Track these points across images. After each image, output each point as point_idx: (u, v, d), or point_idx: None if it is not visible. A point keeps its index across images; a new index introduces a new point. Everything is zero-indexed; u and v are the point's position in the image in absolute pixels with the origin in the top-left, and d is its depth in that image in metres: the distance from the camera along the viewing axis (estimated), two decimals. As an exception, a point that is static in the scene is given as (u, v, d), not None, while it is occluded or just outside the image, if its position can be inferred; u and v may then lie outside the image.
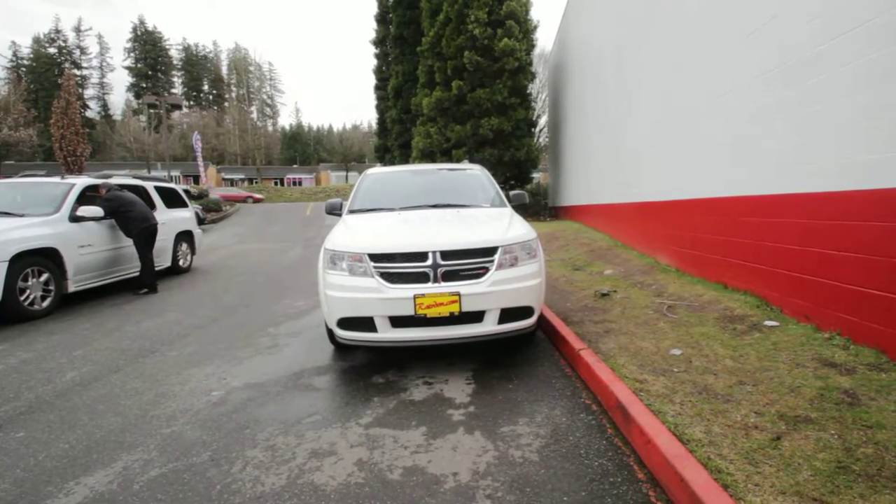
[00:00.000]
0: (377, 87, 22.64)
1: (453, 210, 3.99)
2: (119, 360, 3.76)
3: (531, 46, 14.32)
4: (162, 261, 7.45)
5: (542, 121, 21.61)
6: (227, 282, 7.35)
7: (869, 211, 2.83)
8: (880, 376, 2.49)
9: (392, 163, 20.47)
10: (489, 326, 3.07)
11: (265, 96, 67.38)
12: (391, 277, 3.05)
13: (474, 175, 4.79)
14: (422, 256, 3.05)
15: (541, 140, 22.86)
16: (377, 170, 5.06)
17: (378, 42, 22.11)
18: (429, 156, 14.48)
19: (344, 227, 3.73)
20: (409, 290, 2.96)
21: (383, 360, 3.53)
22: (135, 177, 7.57)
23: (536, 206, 14.61)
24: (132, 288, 6.60)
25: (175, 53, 70.43)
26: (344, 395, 2.93)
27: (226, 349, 3.97)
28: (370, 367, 3.42)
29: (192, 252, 8.59)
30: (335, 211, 4.45)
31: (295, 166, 66.47)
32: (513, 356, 3.54)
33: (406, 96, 17.27)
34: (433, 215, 3.84)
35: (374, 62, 23.41)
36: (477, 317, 3.06)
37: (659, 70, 6.20)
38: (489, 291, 3.02)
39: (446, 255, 3.05)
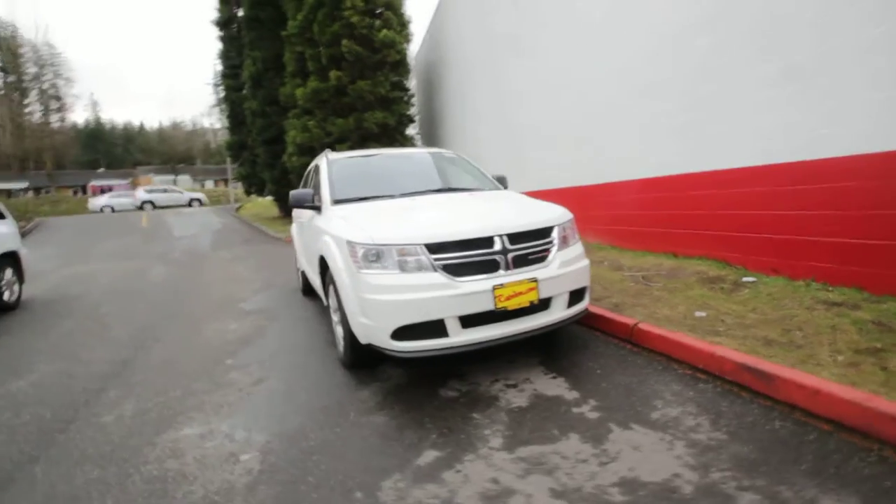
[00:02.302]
0: (226, 76, 19.48)
1: (466, 193, 3.60)
2: (20, 443, 2.43)
3: (408, 40, 14.12)
4: (-21, 296, 5.22)
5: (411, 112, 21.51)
6: (93, 313, 5.51)
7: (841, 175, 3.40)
8: (883, 306, 3.00)
9: (254, 162, 18.14)
10: (560, 312, 2.82)
11: (48, 86, 53.22)
12: (456, 270, 2.57)
13: (457, 159, 4.42)
14: (488, 242, 2.64)
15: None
16: (339, 155, 4.30)
17: (223, 24, 19.15)
18: (308, 151, 13.18)
19: (349, 218, 3.03)
20: (486, 282, 2.54)
21: (425, 372, 2.97)
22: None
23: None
24: (-56, 340, 4.46)
25: None
26: (428, 421, 2.36)
27: (187, 396, 2.91)
28: (418, 383, 2.84)
29: (20, 281, 6.24)
30: (305, 203, 3.65)
31: (101, 170, 54.44)
32: (554, 345, 3.33)
33: (269, 85, 15.38)
34: (455, 199, 3.40)
35: (218, 46, 20.22)
36: (545, 304, 2.79)
37: (556, 57, 6.61)
38: (561, 274, 2.78)
39: (513, 238, 2.70)
